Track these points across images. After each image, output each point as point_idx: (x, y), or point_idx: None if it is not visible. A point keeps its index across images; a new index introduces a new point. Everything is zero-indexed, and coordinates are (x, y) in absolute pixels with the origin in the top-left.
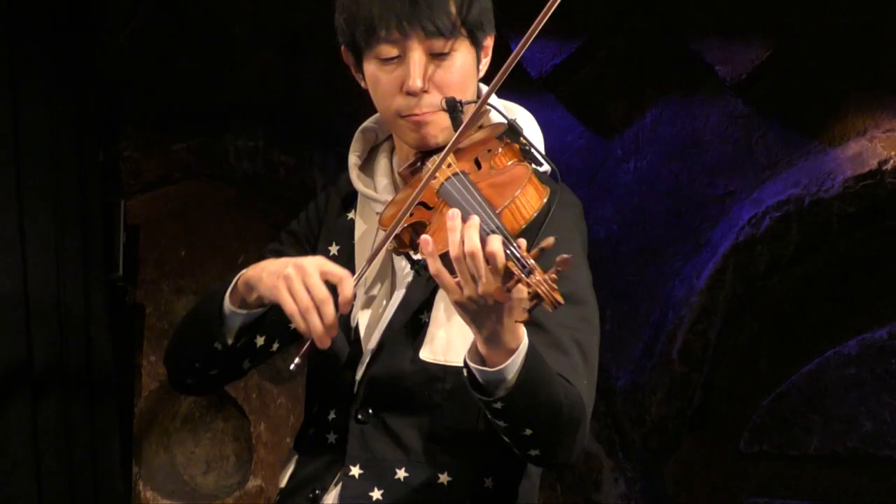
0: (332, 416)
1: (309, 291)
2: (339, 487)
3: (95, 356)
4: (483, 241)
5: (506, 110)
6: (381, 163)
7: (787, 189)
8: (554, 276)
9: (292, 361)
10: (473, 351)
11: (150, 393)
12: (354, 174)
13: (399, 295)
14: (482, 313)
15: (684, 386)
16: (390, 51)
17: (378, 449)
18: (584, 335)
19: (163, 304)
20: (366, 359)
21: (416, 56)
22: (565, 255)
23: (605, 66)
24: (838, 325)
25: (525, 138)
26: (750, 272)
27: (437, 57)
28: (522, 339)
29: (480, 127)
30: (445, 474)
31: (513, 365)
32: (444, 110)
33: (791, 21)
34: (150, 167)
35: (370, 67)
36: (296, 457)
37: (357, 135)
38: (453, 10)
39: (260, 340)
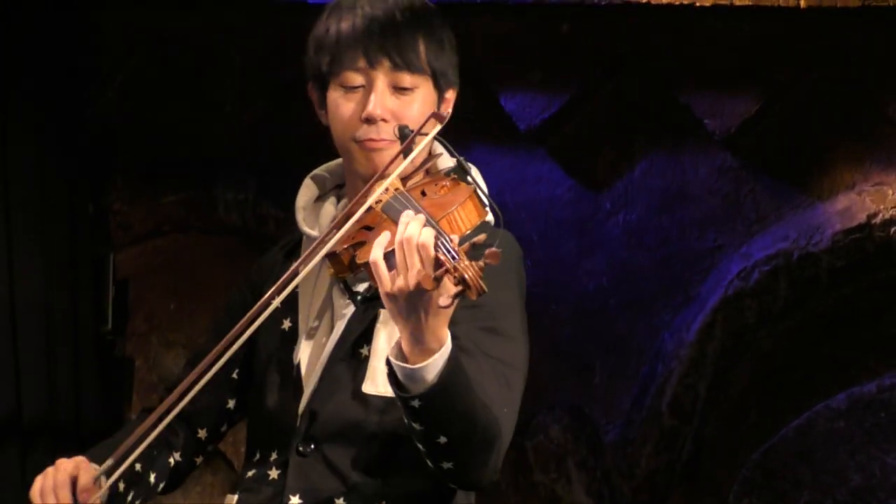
0: (274, 455)
1: (52, 477)
2: None
3: (84, 410)
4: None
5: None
6: (327, 206)
7: (776, 243)
8: (481, 264)
9: None
10: (397, 348)
11: None
12: (300, 216)
13: (339, 328)
14: (409, 305)
15: (674, 439)
16: (355, 78)
17: (317, 479)
18: (510, 370)
19: (152, 358)
20: (307, 393)
21: (380, 85)
22: (495, 249)
23: (594, 119)
24: (827, 379)
25: (472, 178)
26: (739, 326)
27: (399, 90)
28: (445, 341)
29: (427, 171)
30: (384, 503)
31: (433, 365)
32: (396, 138)
33: (779, 75)
34: (139, 220)
35: (333, 95)
36: (236, 495)
37: (306, 180)
38: (421, 48)
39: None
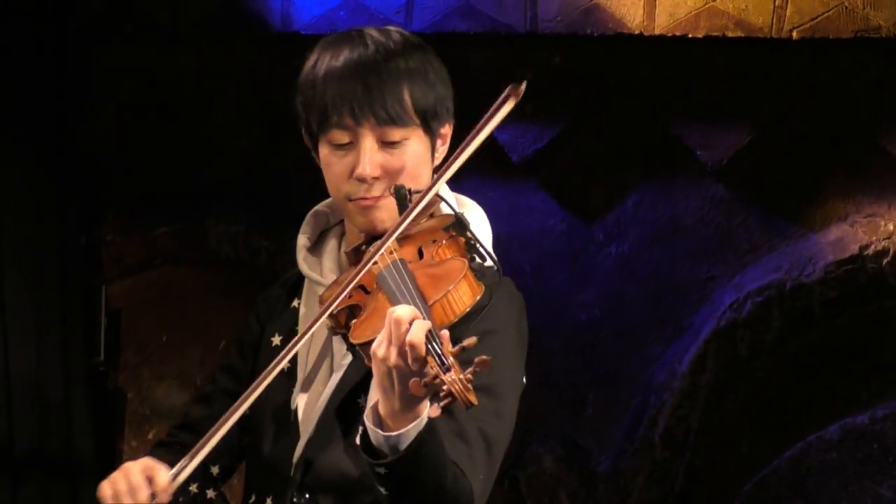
0: (269, 502)
1: (126, 479)
2: None
3: (76, 441)
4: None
5: (457, 203)
6: (329, 245)
7: (768, 274)
8: (470, 376)
9: None
10: (374, 412)
11: None
12: (301, 256)
13: (336, 377)
14: (390, 378)
15: (666, 471)
16: (342, 137)
17: None
18: (494, 429)
19: (144, 390)
20: (303, 441)
21: (368, 144)
22: (485, 357)
23: (586, 150)
24: (819, 410)
25: (471, 233)
26: (731, 357)
27: (388, 145)
28: (422, 413)
29: (431, 216)
30: None
31: (406, 435)
32: (392, 196)
33: (771, 106)
34: (131, 252)
35: (323, 151)
36: None
37: (308, 217)
38: (407, 98)
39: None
